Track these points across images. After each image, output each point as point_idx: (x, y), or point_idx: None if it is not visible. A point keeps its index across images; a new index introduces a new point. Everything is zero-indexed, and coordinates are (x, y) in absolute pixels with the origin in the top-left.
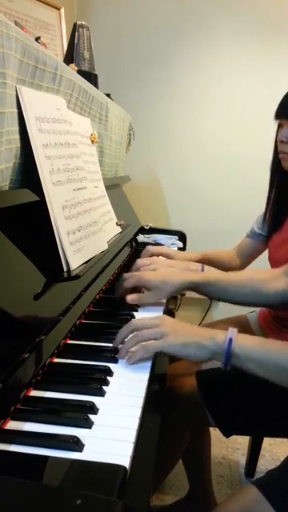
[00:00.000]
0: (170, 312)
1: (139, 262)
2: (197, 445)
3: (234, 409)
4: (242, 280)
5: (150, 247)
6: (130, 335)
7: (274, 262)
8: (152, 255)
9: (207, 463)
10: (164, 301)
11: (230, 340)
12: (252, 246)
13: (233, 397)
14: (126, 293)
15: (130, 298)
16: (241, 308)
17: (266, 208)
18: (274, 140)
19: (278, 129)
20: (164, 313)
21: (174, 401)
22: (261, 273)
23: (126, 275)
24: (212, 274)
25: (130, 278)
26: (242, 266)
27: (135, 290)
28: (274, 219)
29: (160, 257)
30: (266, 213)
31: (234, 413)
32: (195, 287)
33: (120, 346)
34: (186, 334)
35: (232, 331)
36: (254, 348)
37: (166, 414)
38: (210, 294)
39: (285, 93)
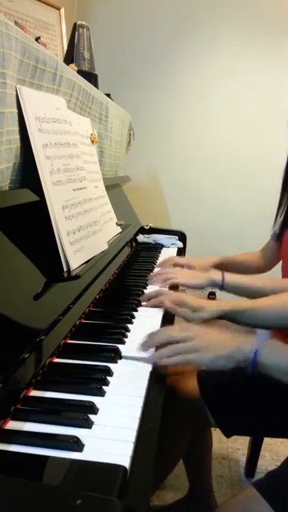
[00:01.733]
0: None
1: (161, 270)
2: (198, 445)
3: (235, 409)
4: (274, 309)
5: (174, 257)
6: (166, 348)
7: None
8: (175, 265)
9: (208, 463)
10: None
11: (256, 351)
12: (275, 247)
13: (234, 397)
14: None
15: (168, 304)
16: None
17: (278, 210)
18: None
19: None
20: (164, 313)
21: (174, 400)
22: None
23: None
24: (244, 302)
25: (172, 296)
26: (268, 267)
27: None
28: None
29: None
30: (277, 214)
31: (235, 413)
32: (227, 315)
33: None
34: (216, 347)
35: (259, 342)
36: (279, 357)
37: (167, 413)
38: (244, 322)
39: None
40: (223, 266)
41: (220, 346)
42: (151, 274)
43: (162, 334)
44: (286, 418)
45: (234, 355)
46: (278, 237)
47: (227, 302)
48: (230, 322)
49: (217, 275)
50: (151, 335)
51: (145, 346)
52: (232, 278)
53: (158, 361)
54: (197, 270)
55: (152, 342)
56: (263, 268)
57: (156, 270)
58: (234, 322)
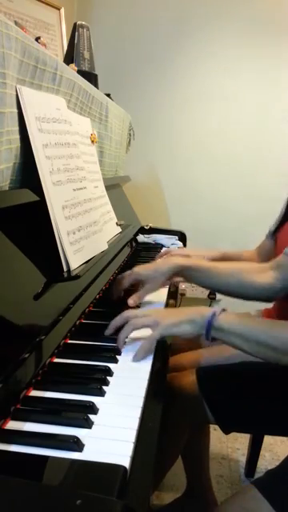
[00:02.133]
0: None
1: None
2: (196, 443)
3: (234, 405)
4: (229, 268)
5: (170, 248)
6: (126, 324)
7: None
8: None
9: (206, 461)
10: (164, 299)
11: (214, 314)
12: (269, 245)
13: (232, 393)
14: (121, 292)
15: (131, 300)
16: (243, 307)
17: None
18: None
19: None
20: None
21: (173, 397)
22: (249, 266)
23: (119, 276)
24: (200, 261)
25: (124, 277)
26: None
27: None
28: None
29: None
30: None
31: (234, 409)
32: (183, 272)
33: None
34: (176, 314)
35: (217, 309)
36: (236, 322)
37: (166, 410)
38: (197, 280)
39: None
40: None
41: (179, 313)
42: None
43: (119, 316)
44: (286, 415)
45: (196, 319)
46: (272, 235)
47: (179, 257)
48: None
49: (183, 260)
50: (111, 323)
51: (108, 330)
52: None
53: (122, 342)
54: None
55: (114, 324)
56: None
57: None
58: (193, 283)
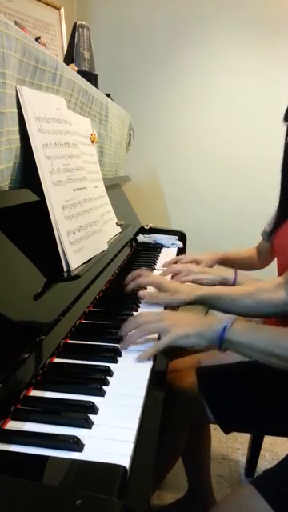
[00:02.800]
0: None
1: (176, 266)
2: (196, 443)
3: (234, 405)
4: (248, 293)
5: (178, 257)
6: (134, 330)
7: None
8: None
9: (206, 462)
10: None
11: (225, 328)
12: (266, 246)
13: (232, 393)
14: (136, 286)
15: (142, 293)
16: None
17: (278, 210)
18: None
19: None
20: (164, 308)
21: (173, 397)
22: (265, 284)
23: (144, 272)
24: (222, 288)
25: (148, 277)
26: (262, 265)
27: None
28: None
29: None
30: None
31: (234, 409)
32: (204, 301)
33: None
34: (187, 325)
35: (227, 321)
36: (246, 334)
37: (166, 410)
38: (218, 308)
39: (286, 93)
40: (226, 262)
41: (189, 324)
42: (166, 269)
43: (132, 320)
44: (286, 415)
45: (204, 333)
46: (269, 236)
47: (201, 287)
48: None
49: (229, 273)
50: (123, 325)
51: (122, 333)
52: (244, 277)
53: (128, 345)
54: (203, 265)
55: (125, 330)
56: (259, 265)
57: (157, 271)
58: (209, 308)
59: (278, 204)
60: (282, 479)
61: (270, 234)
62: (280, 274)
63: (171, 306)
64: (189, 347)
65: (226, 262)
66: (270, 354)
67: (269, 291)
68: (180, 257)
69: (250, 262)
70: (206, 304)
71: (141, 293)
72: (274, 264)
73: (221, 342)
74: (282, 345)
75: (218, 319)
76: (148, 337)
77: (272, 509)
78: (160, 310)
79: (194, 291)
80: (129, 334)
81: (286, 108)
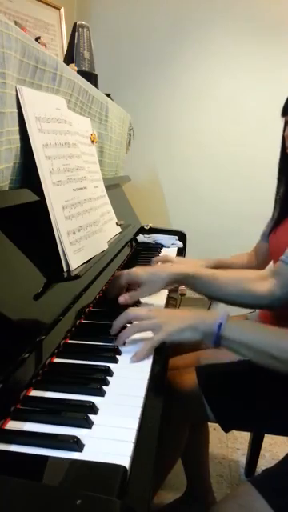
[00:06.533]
0: None
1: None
2: (195, 442)
3: (234, 403)
4: (229, 277)
5: (167, 255)
6: (128, 325)
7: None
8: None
9: (205, 461)
10: (164, 298)
11: (220, 325)
12: (265, 247)
13: (232, 391)
14: (119, 291)
15: (122, 299)
16: (240, 308)
17: (275, 207)
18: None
19: (285, 126)
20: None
21: (173, 395)
22: (250, 274)
23: (117, 274)
24: (201, 269)
25: (121, 276)
26: (260, 266)
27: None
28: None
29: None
30: (274, 212)
31: (234, 407)
32: (184, 280)
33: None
34: (179, 320)
35: (222, 316)
36: (242, 332)
37: (166, 409)
38: (198, 289)
39: (286, 93)
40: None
41: (182, 318)
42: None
43: (122, 316)
44: (285, 414)
45: (199, 326)
46: (266, 238)
47: (179, 266)
48: None
49: (183, 268)
50: (114, 323)
51: (113, 330)
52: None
53: (122, 342)
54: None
55: (117, 324)
56: (256, 268)
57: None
58: (193, 291)
59: (274, 204)
60: (282, 479)
61: (267, 236)
62: None
63: (152, 289)
64: (183, 342)
65: (220, 268)
66: (268, 354)
67: (252, 282)
68: (168, 256)
69: (248, 265)
70: (184, 283)
71: (120, 299)
72: None
73: (217, 339)
74: (282, 346)
75: (211, 312)
76: (142, 334)
77: (271, 508)
78: (151, 306)
79: (171, 270)
80: (122, 332)
81: (284, 102)
